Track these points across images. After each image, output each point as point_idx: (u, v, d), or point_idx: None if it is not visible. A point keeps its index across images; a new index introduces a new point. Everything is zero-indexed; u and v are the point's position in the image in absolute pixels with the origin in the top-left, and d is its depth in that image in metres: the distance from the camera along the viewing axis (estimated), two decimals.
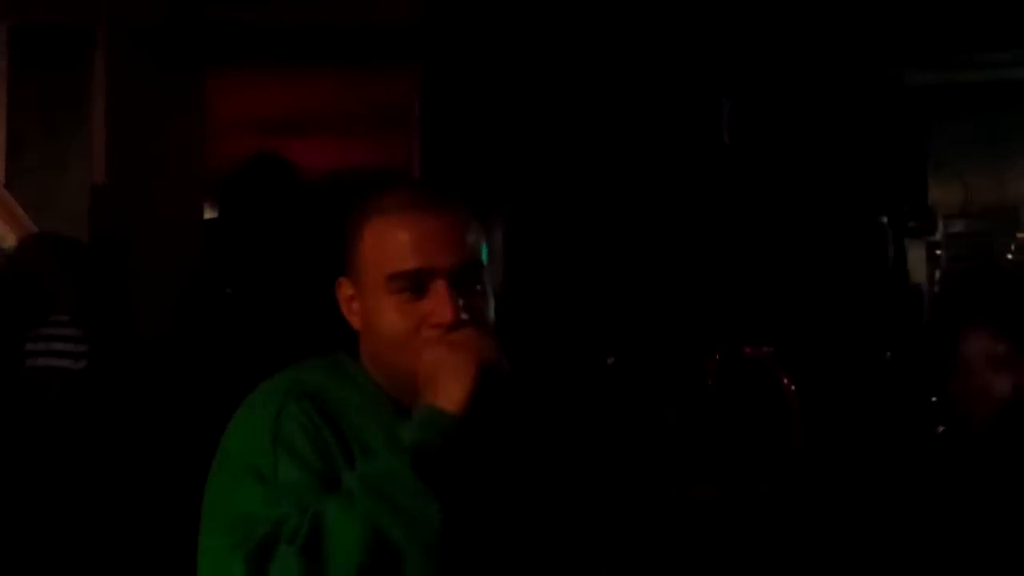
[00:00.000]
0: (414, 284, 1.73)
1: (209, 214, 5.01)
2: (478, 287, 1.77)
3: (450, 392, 1.65)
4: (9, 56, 3.92)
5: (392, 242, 1.75)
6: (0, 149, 3.84)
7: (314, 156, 5.43)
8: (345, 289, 1.83)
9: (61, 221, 4.02)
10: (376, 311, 1.77)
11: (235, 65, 4.91)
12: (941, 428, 2.53)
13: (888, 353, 4.83)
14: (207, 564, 1.71)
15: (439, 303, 1.72)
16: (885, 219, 5.20)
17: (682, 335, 4.69)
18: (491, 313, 1.79)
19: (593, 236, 4.87)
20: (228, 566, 1.62)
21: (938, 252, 5.56)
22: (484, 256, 1.81)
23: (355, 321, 1.82)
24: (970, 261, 5.54)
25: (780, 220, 4.98)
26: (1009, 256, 5.68)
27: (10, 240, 3.62)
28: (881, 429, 4.17)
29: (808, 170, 5.01)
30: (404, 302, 1.73)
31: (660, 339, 4.68)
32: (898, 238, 5.26)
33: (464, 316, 1.71)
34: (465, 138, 4.85)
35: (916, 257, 5.47)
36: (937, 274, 5.56)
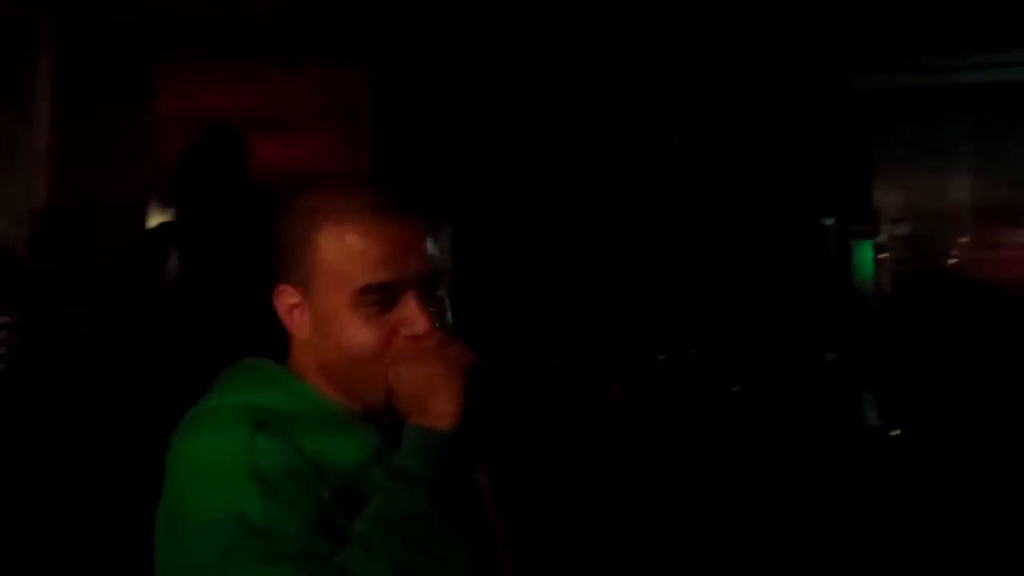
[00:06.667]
0: (385, 297, 1.65)
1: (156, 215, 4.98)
2: (439, 293, 1.72)
3: (442, 409, 1.59)
4: None
5: (357, 253, 1.66)
6: None
7: (261, 154, 5.40)
8: (288, 297, 1.72)
9: (3, 221, 3.99)
10: (338, 324, 1.66)
11: (181, 61, 4.87)
12: (880, 425, 2.57)
13: (831, 355, 4.87)
14: None
15: (412, 315, 1.66)
16: (830, 221, 5.24)
17: (629, 336, 4.70)
18: (449, 318, 1.74)
19: (541, 236, 4.87)
20: None
21: (882, 256, 5.60)
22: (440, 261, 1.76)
23: (301, 331, 1.72)
24: (914, 265, 5.58)
25: (726, 222, 5.00)
26: (951, 260, 5.73)
27: None
28: (822, 428, 4.20)
29: (754, 171, 5.04)
30: (372, 315, 1.65)
31: (607, 340, 4.69)
32: (843, 240, 5.30)
33: (436, 325, 1.67)
34: (415, 138, 4.84)
35: (861, 260, 5.50)
36: (881, 277, 5.60)
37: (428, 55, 4.80)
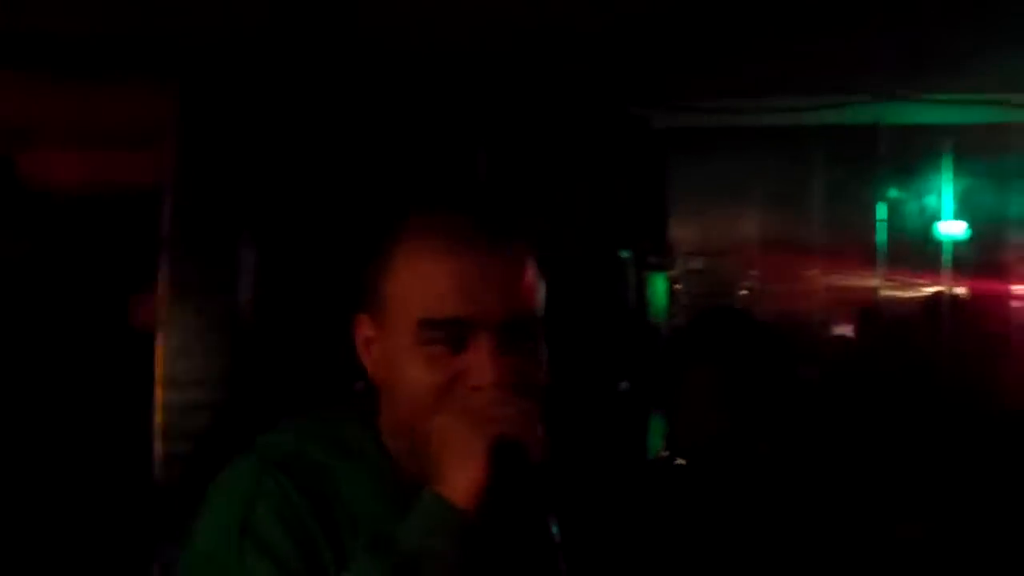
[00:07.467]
0: (451, 336, 1.38)
1: None
2: (529, 344, 1.42)
3: (455, 480, 1.32)
4: None
5: (428, 279, 1.40)
6: None
7: (64, 169, 5.33)
8: (363, 328, 1.48)
9: None
10: (400, 361, 1.41)
11: None
12: (665, 454, 2.69)
13: (624, 383, 5.02)
14: None
15: (478, 362, 1.37)
16: (626, 254, 5.40)
17: None
18: (540, 377, 1.44)
19: (344, 260, 4.89)
20: None
21: (675, 287, 5.81)
22: (541, 306, 1.46)
23: (372, 368, 1.48)
24: (706, 297, 5.79)
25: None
26: (742, 292, 5.96)
27: None
28: (609, 456, 4.33)
29: (553, 204, 5.16)
30: (436, 355, 1.39)
31: None
32: (638, 272, 5.48)
33: (508, 380, 1.38)
34: (222, 157, 4.83)
35: (655, 291, 5.69)
36: (674, 308, 5.80)
37: (239, 77, 4.80)
